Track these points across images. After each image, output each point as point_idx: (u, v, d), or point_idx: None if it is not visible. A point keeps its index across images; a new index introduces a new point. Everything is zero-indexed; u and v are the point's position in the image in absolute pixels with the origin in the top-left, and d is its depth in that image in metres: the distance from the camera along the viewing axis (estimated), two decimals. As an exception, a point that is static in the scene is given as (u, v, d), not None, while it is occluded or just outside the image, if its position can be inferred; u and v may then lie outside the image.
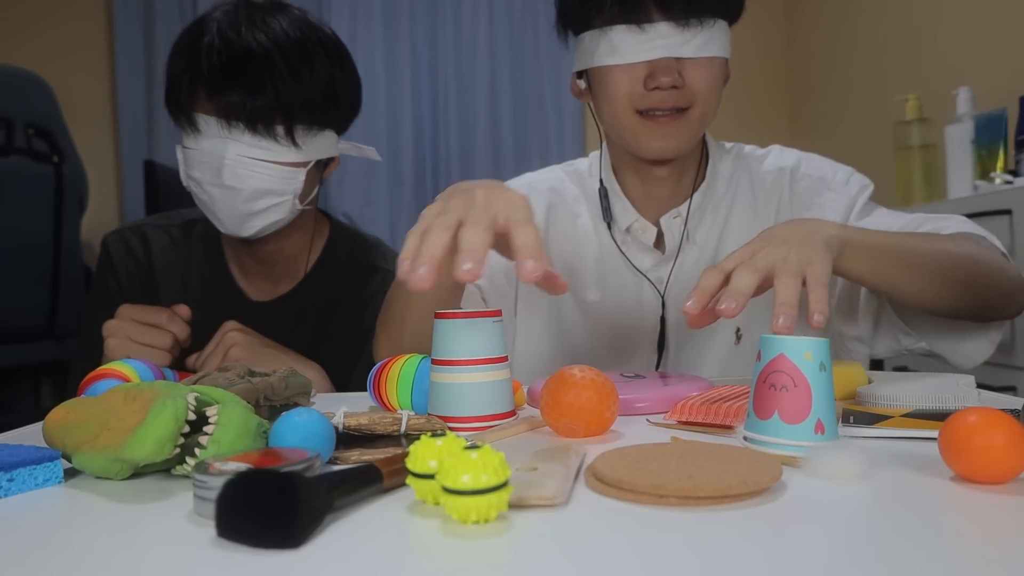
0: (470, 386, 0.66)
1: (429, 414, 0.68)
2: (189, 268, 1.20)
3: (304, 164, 1.03)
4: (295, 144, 1.01)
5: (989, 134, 1.81)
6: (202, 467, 0.45)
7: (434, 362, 0.68)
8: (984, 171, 1.79)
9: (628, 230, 1.06)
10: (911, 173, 2.08)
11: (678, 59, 0.94)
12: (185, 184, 1.07)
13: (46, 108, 1.92)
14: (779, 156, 1.10)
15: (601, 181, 1.08)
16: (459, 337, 0.66)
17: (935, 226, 0.93)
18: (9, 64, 1.91)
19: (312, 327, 1.16)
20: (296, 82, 1.00)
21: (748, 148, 1.12)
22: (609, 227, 1.07)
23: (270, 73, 0.99)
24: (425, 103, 3.12)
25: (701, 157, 1.08)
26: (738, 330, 1.03)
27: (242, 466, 0.44)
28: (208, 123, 0.99)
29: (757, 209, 1.07)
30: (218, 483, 0.42)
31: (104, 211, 3.04)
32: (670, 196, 1.06)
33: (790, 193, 1.06)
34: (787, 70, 3.19)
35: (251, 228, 1.05)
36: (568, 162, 1.18)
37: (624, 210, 1.06)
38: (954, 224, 0.93)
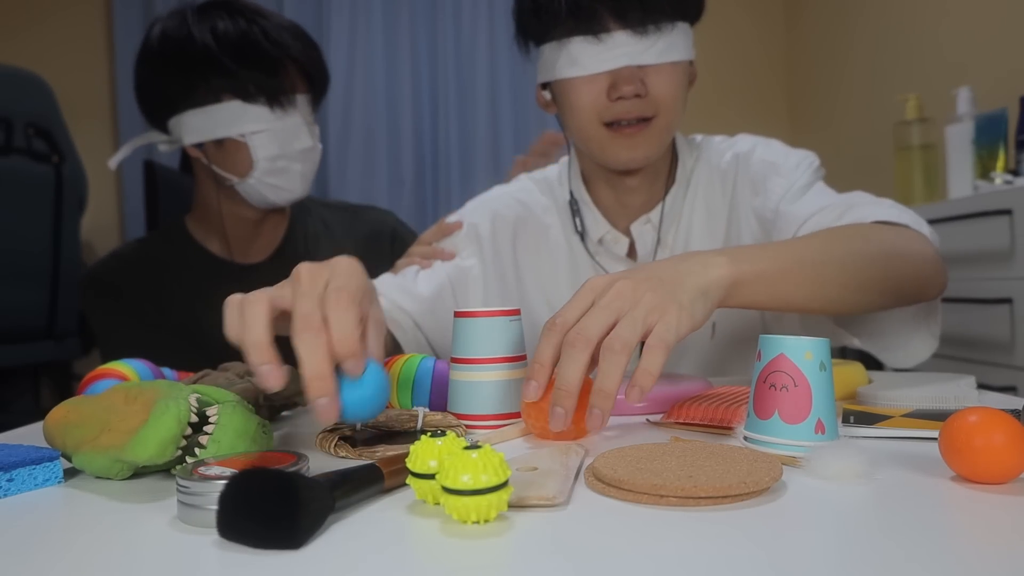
0: (488, 384, 0.67)
1: (446, 411, 0.68)
2: (172, 262, 1.27)
3: (316, 126, 1.22)
4: (315, 106, 1.22)
5: (989, 134, 1.81)
6: (186, 472, 0.44)
7: (453, 360, 0.69)
8: (984, 171, 1.79)
9: (600, 241, 1.05)
10: (911, 173, 2.08)
11: (640, 67, 0.93)
12: (262, 164, 1.15)
13: (46, 108, 1.92)
14: (738, 144, 1.08)
15: (571, 194, 1.07)
16: (478, 336, 0.67)
17: (857, 215, 0.87)
18: (9, 64, 1.91)
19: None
20: (308, 52, 1.19)
21: (716, 139, 1.10)
22: (582, 239, 1.06)
23: (309, 38, 1.19)
24: (425, 103, 3.12)
25: (672, 160, 1.07)
26: (713, 324, 1.03)
27: (227, 471, 0.44)
28: (300, 98, 1.16)
29: (713, 200, 1.06)
30: (201, 488, 0.42)
31: (104, 211, 3.04)
32: (643, 203, 1.05)
33: (742, 178, 1.04)
34: (787, 70, 3.19)
35: (303, 190, 1.21)
36: (539, 171, 1.16)
37: (595, 221, 1.05)
38: (878, 211, 0.86)
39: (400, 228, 1.41)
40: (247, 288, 1.33)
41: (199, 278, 1.26)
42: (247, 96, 1.12)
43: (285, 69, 1.14)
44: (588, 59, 0.93)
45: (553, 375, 0.60)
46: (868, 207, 0.88)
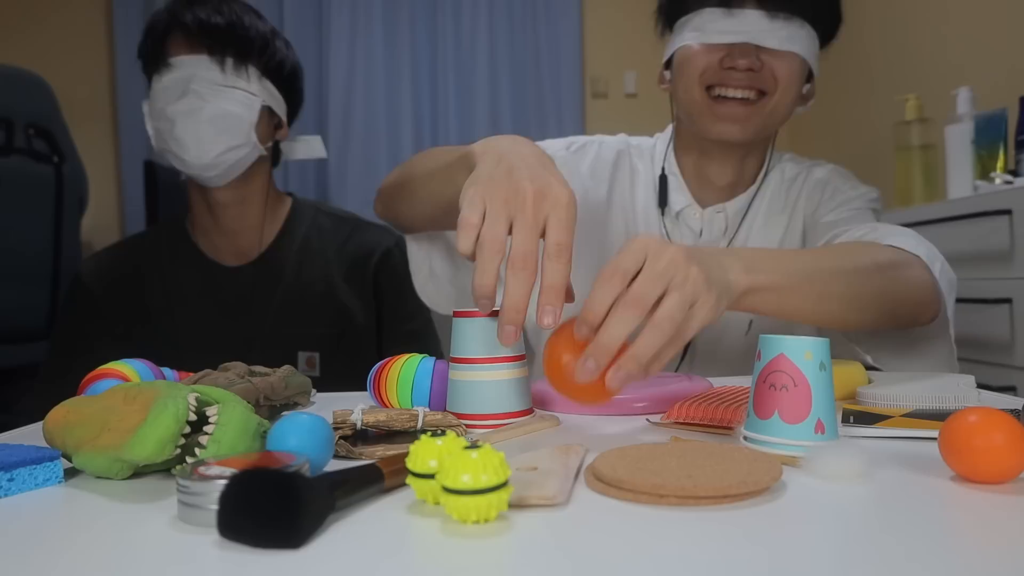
0: (488, 384, 0.67)
1: (446, 411, 0.68)
2: (163, 258, 1.30)
3: (255, 95, 1.19)
4: (247, 73, 1.18)
5: (989, 134, 1.81)
6: (186, 472, 0.44)
7: (452, 360, 0.69)
8: (984, 171, 1.79)
9: (679, 215, 1.07)
10: (911, 173, 2.08)
11: (760, 47, 0.96)
12: (151, 132, 1.20)
13: (46, 108, 1.92)
14: (812, 165, 1.12)
15: (663, 169, 1.09)
16: (477, 336, 0.67)
17: (875, 237, 0.89)
18: (9, 64, 1.91)
19: (292, 277, 1.29)
20: (250, 23, 1.20)
21: (798, 157, 1.14)
22: (662, 212, 1.08)
23: (229, 8, 1.21)
24: (425, 103, 3.12)
25: (762, 164, 1.09)
26: (751, 322, 1.04)
27: (227, 471, 0.44)
28: (177, 60, 1.16)
29: (775, 209, 1.08)
30: (201, 488, 0.42)
31: (104, 211, 3.04)
32: (722, 191, 1.08)
33: (805, 195, 1.08)
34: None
35: (213, 153, 1.16)
36: (623, 136, 1.18)
37: (681, 194, 1.07)
38: (896, 239, 0.87)
39: (395, 252, 1.34)
40: (223, 292, 1.38)
41: (183, 275, 1.28)
42: (148, 70, 1.22)
43: (171, 36, 1.19)
44: (713, 29, 0.97)
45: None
46: (888, 233, 0.89)
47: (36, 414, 0.70)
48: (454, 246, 0.98)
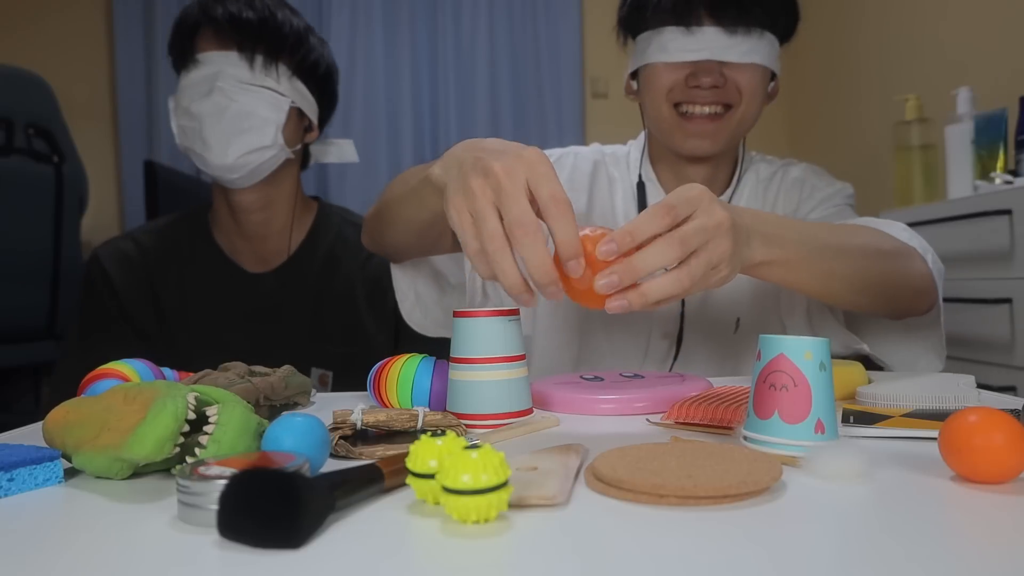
0: (487, 384, 0.67)
1: (446, 410, 0.68)
2: (182, 255, 1.26)
3: (284, 95, 1.16)
4: (276, 71, 1.15)
5: (989, 134, 1.80)
6: (186, 472, 0.44)
7: (452, 360, 0.69)
8: (984, 171, 1.79)
9: None
10: (911, 173, 2.08)
11: (723, 63, 0.98)
12: (176, 130, 1.17)
13: (46, 108, 1.92)
14: (786, 164, 1.14)
15: (640, 176, 1.11)
16: (477, 335, 0.67)
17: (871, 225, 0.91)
18: (9, 64, 1.91)
19: (314, 290, 1.25)
20: (283, 19, 1.17)
21: (768, 157, 1.16)
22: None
23: (261, 2, 1.18)
24: (425, 103, 3.12)
25: (735, 166, 1.11)
26: (738, 319, 1.05)
27: (227, 471, 0.44)
28: (205, 56, 1.14)
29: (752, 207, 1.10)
30: (201, 488, 0.42)
31: (104, 211, 3.04)
32: None
33: (783, 193, 1.10)
34: (786, 69, 3.19)
35: (236, 154, 1.13)
36: (596, 145, 1.19)
37: (659, 199, 1.08)
38: (890, 229, 0.90)
39: None
40: (241, 300, 1.35)
41: (201, 276, 1.25)
42: (177, 66, 1.20)
43: (200, 31, 1.17)
44: (676, 48, 0.99)
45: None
46: (881, 225, 0.91)
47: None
48: (439, 270, 0.98)
